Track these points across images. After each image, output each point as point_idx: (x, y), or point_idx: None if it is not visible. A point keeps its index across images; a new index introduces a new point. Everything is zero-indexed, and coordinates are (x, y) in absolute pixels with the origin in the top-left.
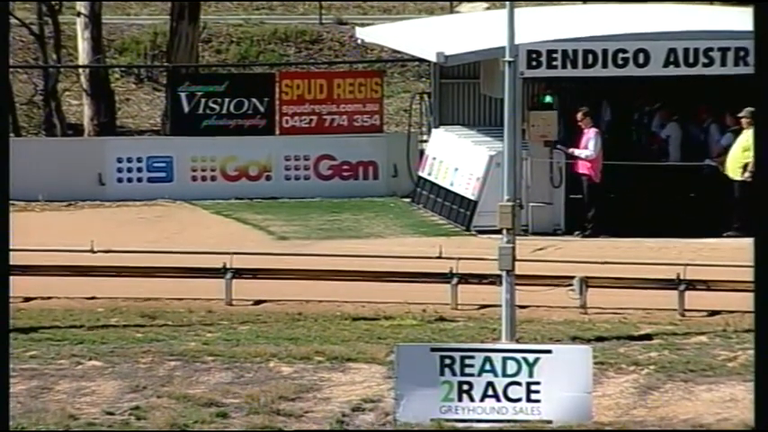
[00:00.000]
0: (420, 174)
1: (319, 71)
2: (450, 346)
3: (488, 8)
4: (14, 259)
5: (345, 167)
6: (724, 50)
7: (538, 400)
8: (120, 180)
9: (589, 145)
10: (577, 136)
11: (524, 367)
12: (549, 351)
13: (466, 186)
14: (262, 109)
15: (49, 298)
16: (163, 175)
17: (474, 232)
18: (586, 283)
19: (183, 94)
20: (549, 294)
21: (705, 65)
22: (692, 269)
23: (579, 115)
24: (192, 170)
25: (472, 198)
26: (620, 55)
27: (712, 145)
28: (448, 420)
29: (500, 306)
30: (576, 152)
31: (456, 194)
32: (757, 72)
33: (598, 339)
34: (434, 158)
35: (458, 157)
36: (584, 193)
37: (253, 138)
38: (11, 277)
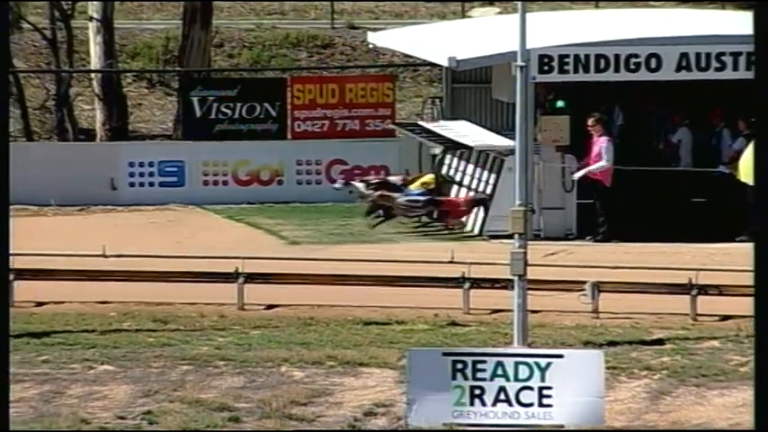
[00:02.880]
0: None
1: (331, 76)
2: (461, 350)
3: (500, 13)
4: (27, 263)
5: (357, 172)
6: (736, 55)
7: (550, 405)
8: (132, 185)
9: (603, 155)
10: (587, 141)
11: (536, 372)
12: (560, 356)
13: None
14: (274, 113)
15: (62, 302)
16: (175, 179)
17: (486, 237)
18: (598, 287)
19: (194, 99)
20: (561, 299)
21: (717, 69)
22: (705, 274)
23: (590, 121)
24: (204, 174)
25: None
26: (633, 60)
27: (724, 149)
28: (460, 425)
29: (512, 311)
30: (592, 168)
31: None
32: (758, 74)
33: (610, 344)
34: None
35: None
36: (595, 197)
37: (264, 142)
38: (23, 282)
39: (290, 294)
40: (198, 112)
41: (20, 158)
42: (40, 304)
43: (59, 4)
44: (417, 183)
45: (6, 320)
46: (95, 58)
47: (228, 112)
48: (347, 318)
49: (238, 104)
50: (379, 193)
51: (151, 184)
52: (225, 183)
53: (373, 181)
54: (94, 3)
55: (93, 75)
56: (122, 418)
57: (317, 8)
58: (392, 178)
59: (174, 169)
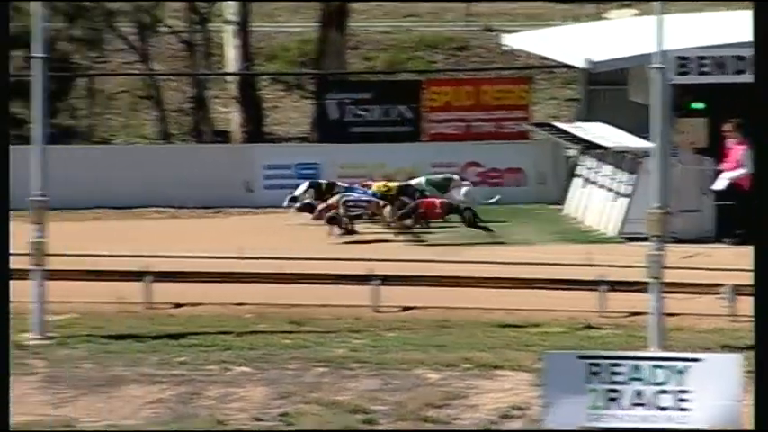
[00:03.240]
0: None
1: (466, 78)
2: (597, 353)
3: (637, 14)
4: (164, 266)
5: (492, 174)
6: None
7: (687, 409)
8: (268, 187)
9: (744, 162)
10: (724, 145)
11: (674, 375)
12: (698, 359)
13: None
14: (409, 116)
15: (199, 304)
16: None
17: (623, 239)
18: (736, 290)
19: (330, 102)
20: (699, 302)
21: None
22: None
23: (728, 127)
24: (340, 177)
25: (622, 205)
26: None
27: None
28: (596, 428)
29: (648, 314)
30: (734, 176)
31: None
32: (758, 74)
33: (749, 348)
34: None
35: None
36: (734, 200)
37: (400, 145)
38: (161, 284)
39: (425, 296)
40: (333, 115)
41: (157, 160)
42: (177, 306)
43: (196, 6)
44: (380, 185)
45: (6, 321)
46: (232, 61)
47: (364, 114)
48: (482, 320)
49: (374, 107)
50: (324, 205)
51: (287, 187)
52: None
53: (322, 181)
54: (231, 5)
55: (229, 77)
56: (259, 419)
57: (452, 10)
58: (340, 183)
59: (310, 171)
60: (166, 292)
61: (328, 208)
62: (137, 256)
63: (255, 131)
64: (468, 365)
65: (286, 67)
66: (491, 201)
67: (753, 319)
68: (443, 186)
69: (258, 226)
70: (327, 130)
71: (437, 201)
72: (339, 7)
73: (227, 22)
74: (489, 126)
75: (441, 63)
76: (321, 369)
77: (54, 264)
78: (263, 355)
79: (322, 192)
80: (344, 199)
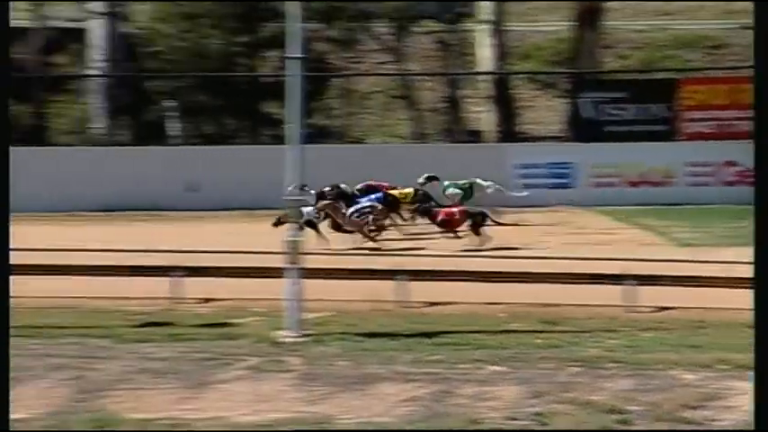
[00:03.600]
0: None
1: (723, 77)
2: None
3: None
4: (417, 264)
5: (750, 174)
6: None
7: None
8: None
9: None
10: None
11: None
12: None
13: None
14: (664, 115)
15: (452, 303)
16: (564, 181)
17: None
18: None
19: (584, 101)
20: None
21: None
22: None
23: None
24: (594, 176)
25: None
26: None
27: None
28: None
29: None
30: None
31: None
32: (757, 71)
33: None
34: None
35: None
36: None
37: (654, 144)
38: (417, 282)
39: (681, 296)
40: (587, 114)
41: (411, 160)
42: (431, 304)
43: (450, 6)
44: (396, 192)
45: (7, 322)
46: (486, 61)
47: (618, 113)
48: (739, 321)
49: (628, 106)
50: (326, 202)
51: (540, 186)
52: (615, 184)
53: (327, 189)
54: (487, 5)
55: (481, 77)
56: (512, 418)
57: (707, 9)
58: (344, 186)
59: (564, 171)
60: (419, 291)
61: (318, 212)
62: (389, 254)
63: (509, 131)
64: (724, 366)
65: (540, 67)
66: (520, 194)
67: (753, 317)
68: (469, 192)
69: (512, 224)
70: (581, 129)
71: (455, 209)
72: (593, 6)
73: (482, 21)
74: (747, 125)
75: (697, 62)
76: (575, 369)
77: (309, 262)
78: (515, 354)
79: (323, 196)
80: (350, 210)
